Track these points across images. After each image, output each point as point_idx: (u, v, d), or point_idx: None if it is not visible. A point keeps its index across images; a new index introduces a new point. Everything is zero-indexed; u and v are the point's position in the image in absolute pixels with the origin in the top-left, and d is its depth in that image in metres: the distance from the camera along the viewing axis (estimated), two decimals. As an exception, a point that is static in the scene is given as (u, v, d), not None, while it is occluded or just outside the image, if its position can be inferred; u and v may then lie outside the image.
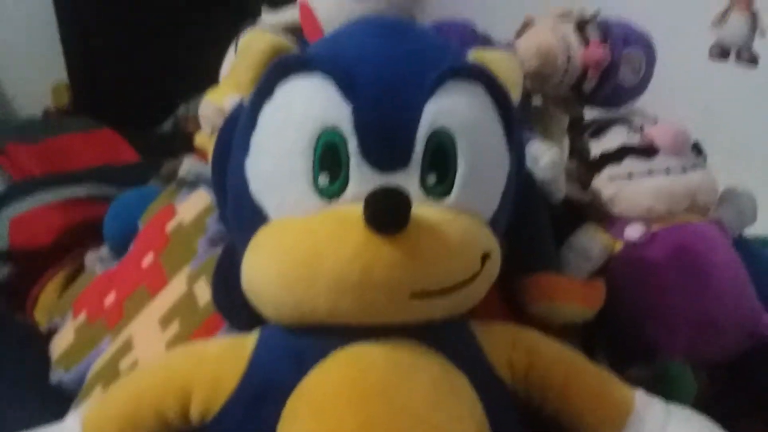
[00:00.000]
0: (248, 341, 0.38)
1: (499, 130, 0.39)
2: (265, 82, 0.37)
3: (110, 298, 0.59)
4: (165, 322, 0.51)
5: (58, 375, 0.56)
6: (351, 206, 0.34)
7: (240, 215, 0.39)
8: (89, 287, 0.63)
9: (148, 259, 0.59)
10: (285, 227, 0.36)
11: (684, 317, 0.50)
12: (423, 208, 0.34)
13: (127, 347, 0.52)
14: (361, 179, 0.35)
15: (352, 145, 0.35)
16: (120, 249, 0.67)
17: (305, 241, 0.34)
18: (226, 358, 0.38)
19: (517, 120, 0.40)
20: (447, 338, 0.37)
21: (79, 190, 0.79)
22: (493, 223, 0.38)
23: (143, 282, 0.57)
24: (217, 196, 0.46)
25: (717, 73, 0.94)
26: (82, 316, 0.60)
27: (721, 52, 0.95)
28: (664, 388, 0.41)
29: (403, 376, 0.34)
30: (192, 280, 0.52)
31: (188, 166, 0.70)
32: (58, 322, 0.63)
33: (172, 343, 0.48)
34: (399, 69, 0.36)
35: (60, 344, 0.59)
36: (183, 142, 1.00)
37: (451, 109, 0.36)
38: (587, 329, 0.49)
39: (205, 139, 0.76)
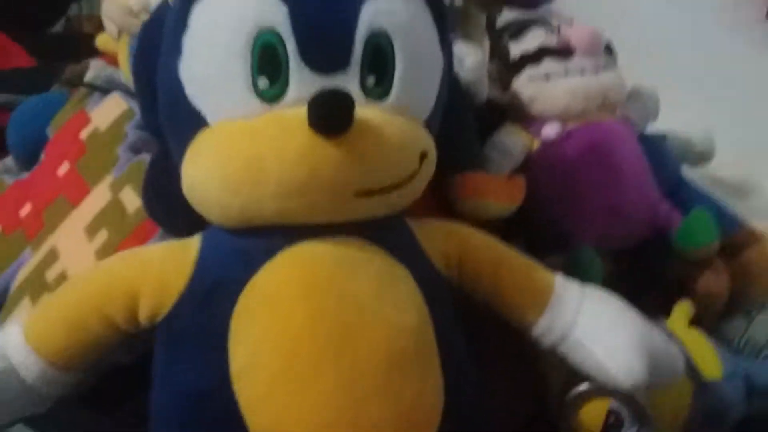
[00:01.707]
0: (192, 244, 0.39)
1: (433, 32, 0.39)
2: None
3: (26, 209, 0.56)
4: (91, 231, 0.50)
5: (-23, 289, 0.54)
6: (293, 109, 0.34)
7: (175, 120, 0.38)
8: (0, 199, 0.60)
9: (64, 168, 0.56)
10: (227, 131, 0.35)
11: (596, 208, 0.54)
12: (364, 110, 0.35)
13: (52, 257, 0.50)
14: (301, 82, 0.35)
15: (291, 47, 0.34)
16: (26, 158, 0.64)
17: (249, 145, 0.34)
18: (170, 261, 0.38)
19: (448, 22, 0.41)
20: (388, 234, 0.39)
21: (-28, 99, 0.73)
22: (429, 124, 0.39)
23: (62, 191, 0.55)
24: (142, 100, 0.44)
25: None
26: (-4, 229, 0.57)
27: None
28: (577, 272, 0.45)
29: (349, 270, 0.36)
30: (116, 187, 0.51)
31: (96, 70, 0.66)
32: (-32, 237, 0.60)
33: (102, 252, 0.48)
34: None
35: (-24, 258, 0.57)
36: (78, 44, 0.94)
37: (388, 10, 0.36)
38: (506, 223, 0.52)
39: (110, 40, 0.72)
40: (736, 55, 0.86)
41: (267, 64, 0.35)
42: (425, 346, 0.37)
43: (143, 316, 0.37)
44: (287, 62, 0.35)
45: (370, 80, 0.36)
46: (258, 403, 0.34)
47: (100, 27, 1.09)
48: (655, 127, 0.66)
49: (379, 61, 0.36)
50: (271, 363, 0.34)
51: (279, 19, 0.34)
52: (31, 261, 0.52)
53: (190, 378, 0.36)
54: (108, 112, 0.58)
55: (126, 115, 0.57)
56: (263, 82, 0.35)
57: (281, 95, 0.35)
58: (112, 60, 0.70)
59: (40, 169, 0.59)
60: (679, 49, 0.91)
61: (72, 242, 0.50)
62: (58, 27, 1.14)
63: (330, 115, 0.33)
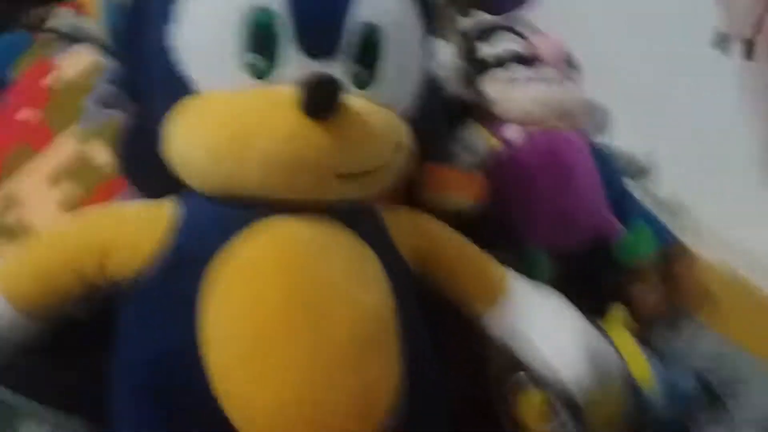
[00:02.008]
0: (167, 207, 0.39)
1: (419, 28, 0.41)
2: None
3: (-17, 153, 0.55)
4: (54, 180, 0.49)
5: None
6: (282, 87, 0.36)
7: (161, 84, 0.39)
8: (-47, 138, 0.58)
9: (25, 114, 0.55)
10: (216, 101, 0.36)
11: (548, 212, 0.57)
12: (350, 97, 0.36)
13: (10, 203, 0.50)
14: (291, 62, 0.36)
15: (285, 28, 0.36)
16: (-18, 99, 0.62)
17: (238, 118, 0.35)
18: (145, 221, 0.39)
19: (432, 20, 0.43)
20: (359, 219, 0.40)
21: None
22: (406, 116, 0.41)
23: (23, 136, 0.53)
24: (122, 60, 0.44)
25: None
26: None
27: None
28: (525, 270, 0.48)
29: (322, 248, 0.38)
30: (83, 140, 0.51)
31: (63, 18, 0.64)
32: None
33: (65, 203, 0.48)
34: None
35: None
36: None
37: (379, 5, 0.38)
38: (458, 217, 0.54)
39: (81, -13, 0.70)
40: (681, 78, 0.91)
41: (259, 41, 0.36)
42: (388, 329, 0.38)
43: (113, 270, 0.38)
44: (279, 42, 0.36)
45: (356, 68, 0.38)
46: (228, 371, 0.35)
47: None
48: (600, 141, 0.70)
49: (367, 52, 0.38)
50: (243, 333, 0.35)
51: (276, 0, 0.35)
52: (-13, 204, 0.51)
53: (157, 338, 0.37)
54: (74, 62, 0.57)
55: (95, 67, 0.56)
56: (254, 58, 0.36)
57: (270, 72, 0.36)
58: (78, 8, 0.68)
59: (1, 112, 0.57)
60: (630, 67, 0.96)
61: (33, 189, 0.50)
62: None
63: (321, 99, 0.34)
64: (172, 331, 0.36)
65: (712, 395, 0.53)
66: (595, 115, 0.67)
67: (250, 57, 0.36)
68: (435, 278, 0.44)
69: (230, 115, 0.36)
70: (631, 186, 0.72)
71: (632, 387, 0.48)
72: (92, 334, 0.42)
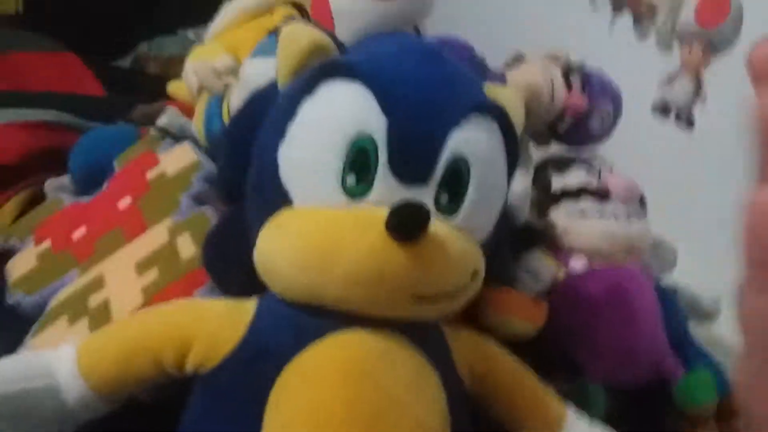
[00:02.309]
0: (248, 306, 0.42)
1: (504, 165, 0.44)
2: (309, 80, 0.41)
3: (80, 233, 0.59)
4: (142, 267, 0.53)
5: (17, 297, 0.56)
6: (373, 209, 0.38)
7: (262, 192, 0.42)
8: (55, 217, 0.63)
9: (125, 202, 0.60)
10: (310, 215, 0.39)
11: (608, 347, 0.57)
12: (434, 223, 0.38)
13: (97, 284, 0.53)
14: (385, 187, 0.39)
15: (382, 155, 0.39)
16: (84, 183, 0.68)
17: (328, 231, 0.38)
18: (226, 318, 0.41)
19: (518, 158, 0.45)
20: (426, 337, 0.42)
21: (44, 114, 0.77)
22: (484, 245, 0.43)
23: (119, 224, 0.58)
24: (227, 162, 0.48)
25: (658, 131, 1.05)
26: (46, 244, 0.60)
27: (663, 110, 1.05)
28: (582, 403, 0.47)
29: (389, 362, 0.39)
30: (174, 232, 0.54)
31: (170, 116, 0.71)
32: (15, 245, 0.63)
33: (148, 290, 0.50)
34: (433, 94, 0.40)
35: (19, 267, 0.59)
36: (146, 83, 0.99)
37: (471, 140, 0.41)
38: (522, 344, 0.54)
39: (183, 88, 0.77)
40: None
41: (358, 165, 0.39)
42: None
43: (191, 364, 0.40)
44: (376, 167, 0.39)
45: (444, 198, 0.40)
46: None
47: (165, 69, 1.16)
48: (668, 279, 0.70)
49: (455, 183, 0.40)
50: None
51: (377, 128, 0.39)
52: (76, 282, 0.55)
53: None
54: (177, 158, 0.62)
55: (195, 166, 0.60)
56: (351, 180, 0.39)
57: (365, 194, 0.39)
58: (182, 107, 0.75)
59: (102, 198, 0.62)
60: (702, 208, 0.96)
61: (121, 274, 0.53)
62: (126, 62, 1.20)
63: (408, 224, 0.37)
64: (236, 428, 0.38)
65: None
66: (663, 254, 0.68)
67: (348, 178, 0.39)
68: (491, 403, 0.45)
69: (321, 228, 0.38)
70: (695, 329, 0.71)
71: None
72: (156, 419, 0.44)
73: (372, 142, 0.39)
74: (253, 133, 0.43)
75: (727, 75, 0.97)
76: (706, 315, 0.73)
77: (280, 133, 0.41)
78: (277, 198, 0.40)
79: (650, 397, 0.60)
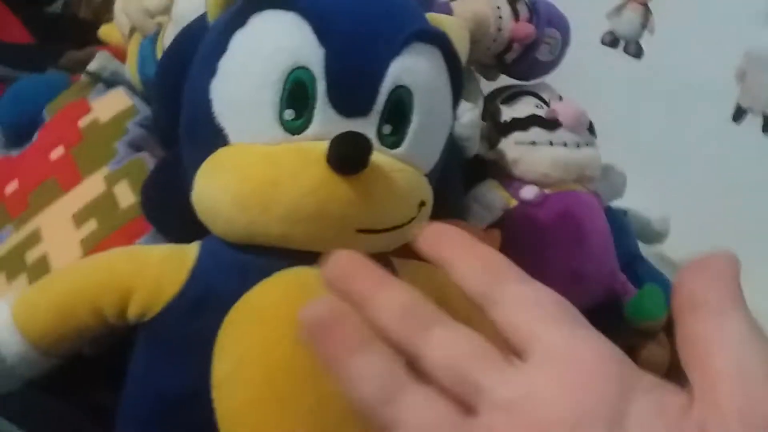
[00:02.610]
0: (190, 251, 0.40)
1: (448, 94, 0.43)
2: (240, 11, 0.38)
3: (12, 187, 0.57)
4: (80, 219, 0.50)
5: (-52, 258, 0.53)
6: (312, 143, 0.37)
7: (196, 132, 0.40)
8: (-15, 172, 0.60)
9: (57, 153, 0.57)
10: (247, 152, 0.38)
11: (560, 271, 0.58)
12: (377, 155, 0.37)
13: (34, 239, 0.51)
14: (324, 120, 0.37)
15: (321, 87, 0.37)
16: (16, 135, 0.64)
17: (267, 169, 0.37)
18: (168, 264, 0.39)
19: (462, 86, 0.44)
20: None
21: (-35, 64, 0.73)
22: (430, 175, 0.42)
23: (53, 175, 0.55)
24: (160, 105, 0.46)
25: (607, 61, 1.05)
26: (-24, 201, 0.57)
27: (611, 41, 1.05)
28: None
29: None
30: (111, 181, 0.52)
31: (101, 61, 0.67)
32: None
33: (88, 242, 0.49)
34: (372, 24, 0.39)
35: (-51, 226, 0.56)
36: (78, 28, 0.94)
37: (413, 68, 0.39)
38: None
39: (115, 32, 0.73)
40: (699, 148, 0.93)
41: (295, 99, 0.37)
42: None
43: (133, 312, 0.39)
44: (314, 100, 0.37)
45: (386, 129, 0.39)
46: (235, 415, 0.35)
47: (97, 14, 1.09)
48: (617, 204, 0.71)
49: (398, 113, 0.39)
50: (253, 378, 0.36)
51: (314, 60, 0.37)
52: (11, 239, 0.53)
53: (169, 381, 0.37)
54: (111, 104, 0.59)
55: (129, 111, 0.58)
56: (289, 114, 0.37)
57: (303, 128, 0.37)
58: (115, 51, 0.71)
59: (33, 149, 0.59)
60: (650, 135, 0.98)
61: (58, 227, 0.51)
62: (56, 7, 1.13)
63: (349, 155, 0.36)
64: (184, 374, 0.37)
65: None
66: (613, 179, 0.68)
67: (286, 113, 0.37)
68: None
69: (259, 166, 0.37)
70: (645, 250, 0.73)
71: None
72: (99, 371, 0.43)
73: (309, 74, 0.37)
74: (184, 72, 0.41)
75: (674, 5, 0.97)
76: (656, 235, 0.74)
77: (210, 69, 0.39)
78: (212, 137, 0.39)
79: (603, 316, 0.61)
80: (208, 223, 0.40)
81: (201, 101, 0.39)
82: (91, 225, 0.50)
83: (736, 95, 0.88)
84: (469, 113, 0.57)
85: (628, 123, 0.97)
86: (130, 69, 0.63)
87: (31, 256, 0.50)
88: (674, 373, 0.63)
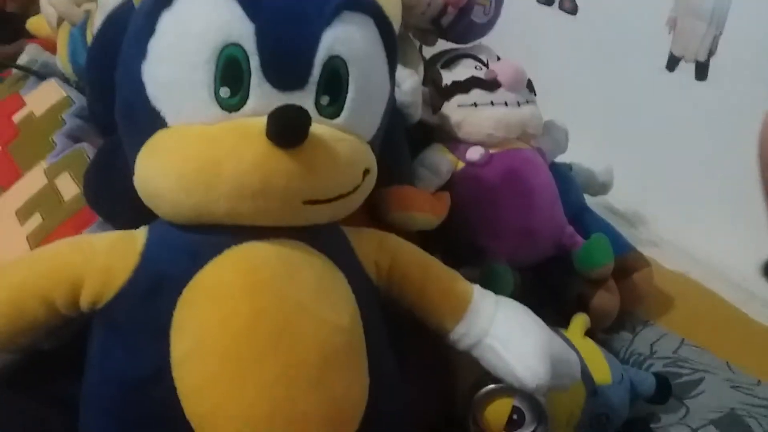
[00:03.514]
0: (138, 236, 0.40)
1: (383, 60, 0.43)
2: None
3: (-50, 188, 0.55)
4: (24, 215, 0.50)
5: None
6: (251, 120, 0.37)
7: (132, 117, 0.40)
8: None
9: (-7, 150, 0.56)
10: (186, 133, 0.37)
11: (509, 227, 0.60)
12: (317, 126, 0.37)
13: (-21, 239, 0.50)
14: (261, 96, 0.37)
15: (254, 62, 0.37)
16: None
17: (207, 149, 0.36)
18: (116, 250, 0.39)
19: (397, 51, 0.45)
20: (326, 240, 0.42)
21: None
22: (372, 143, 0.43)
23: (-9, 173, 0.54)
24: (93, 94, 0.45)
25: (543, 19, 1.06)
26: None
27: None
28: (490, 284, 0.49)
29: (291, 271, 0.39)
30: (52, 173, 0.52)
31: (31, 54, 0.66)
32: None
33: (35, 236, 0.48)
34: None
35: None
36: (6, 23, 0.91)
37: (346, 37, 0.39)
38: (425, 234, 0.56)
39: (43, 24, 0.71)
40: (636, 98, 0.95)
41: (230, 76, 0.37)
42: (356, 346, 0.40)
43: (85, 301, 0.38)
44: (249, 76, 0.37)
45: (324, 100, 0.39)
46: (197, 391, 0.36)
47: (24, 7, 1.06)
48: (561, 158, 0.73)
49: (334, 84, 0.39)
50: (212, 354, 0.36)
51: (245, 35, 0.37)
52: (-45, 241, 0.51)
53: (127, 366, 0.37)
54: (44, 97, 0.58)
55: (63, 103, 0.57)
56: (225, 92, 0.37)
57: (241, 105, 0.37)
58: (45, 43, 0.69)
59: (-32, 149, 0.57)
60: (588, 89, 1.00)
61: (2, 225, 0.50)
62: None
63: (287, 128, 0.36)
64: (143, 357, 0.37)
65: (671, 394, 0.55)
66: (555, 135, 0.70)
67: (221, 91, 0.37)
68: (402, 296, 0.46)
69: (199, 146, 0.36)
70: (591, 201, 0.75)
71: (594, 390, 0.50)
72: (61, 363, 0.42)
73: (241, 50, 0.37)
74: (114, 58, 0.40)
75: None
76: (601, 186, 0.76)
77: (141, 52, 0.38)
78: (149, 120, 0.38)
79: (554, 268, 0.63)
80: (153, 207, 0.39)
81: (134, 85, 0.38)
82: (36, 219, 0.49)
83: (668, 44, 0.90)
84: (410, 80, 0.57)
85: (567, 79, 0.99)
86: (61, 59, 0.61)
87: (-22, 255, 0.49)
88: (625, 318, 0.67)
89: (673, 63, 0.91)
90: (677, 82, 0.90)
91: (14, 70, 0.63)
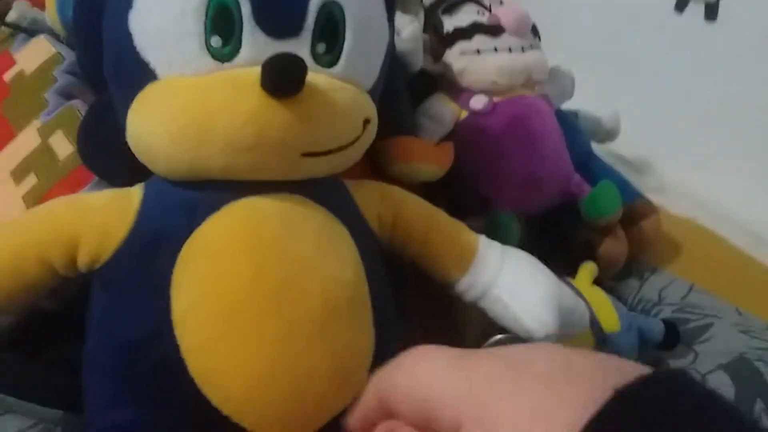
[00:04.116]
0: (134, 193, 0.39)
1: (381, 5, 0.41)
2: None
3: (-57, 150, 0.54)
4: (19, 175, 0.49)
5: None
6: (245, 70, 0.35)
7: (121, 70, 0.38)
8: None
9: (-15, 110, 0.54)
10: (177, 86, 0.36)
11: (515, 176, 0.58)
12: (314, 75, 0.36)
13: (-26, 201, 0.49)
14: (254, 44, 0.36)
15: (246, 9, 0.35)
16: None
17: (200, 102, 0.35)
18: (113, 208, 0.38)
19: (395, -2, 0.43)
20: (327, 194, 0.41)
21: None
22: (372, 92, 0.41)
23: (-16, 134, 0.53)
24: (82, 48, 0.44)
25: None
26: None
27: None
28: (496, 234, 0.48)
29: (291, 226, 0.38)
30: (45, 132, 0.50)
31: (19, 11, 0.64)
32: None
33: (30, 196, 0.47)
34: None
35: None
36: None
37: None
38: (430, 186, 0.55)
39: (31, -21, 0.69)
40: (643, 42, 0.93)
41: (221, 24, 0.35)
42: (360, 299, 0.39)
43: (82, 261, 0.38)
44: (241, 24, 0.35)
45: (320, 48, 0.37)
46: (199, 348, 0.35)
47: (11, -38, 1.02)
48: (567, 105, 0.71)
49: (330, 30, 0.37)
50: (213, 311, 0.35)
51: None
52: (-50, 203, 0.51)
53: (129, 325, 0.37)
54: (34, 55, 0.56)
55: (54, 59, 0.55)
56: (216, 41, 0.35)
57: (233, 55, 0.36)
58: (33, 1, 0.67)
59: (-41, 110, 0.56)
60: (593, 34, 0.97)
61: (-3, 187, 0.49)
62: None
63: (282, 78, 0.34)
64: (143, 316, 0.36)
65: (679, 340, 0.55)
66: (561, 81, 0.68)
67: (212, 40, 0.35)
68: (407, 248, 0.45)
69: (192, 99, 0.35)
70: (598, 148, 0.73)
71: (603, 337, 0.50)
72: (63, 325, 0.42)
73: None
74: (101, 9, 0.39)
75: None
76: (608, 133, 0.75)
77: (127, 1, 0.36)
78: (139, 73, 0.37)
79: (561, 216, 0.63)
80: (147, 163, 0.38)
81: (122, 37, 0.37)
82: (31, 180, 0.48)
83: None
84: (410, 27, 0.56)
85: (572, 22, 0.96)
86: (50, 15, 0.59)
87: (-27, 217, 0.48)
88: (632, 265, 0.66)
89: (682, 3, 0.88)
90: (685, 22, 0.87)
91: (2, 28, 0.61)
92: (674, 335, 0.55)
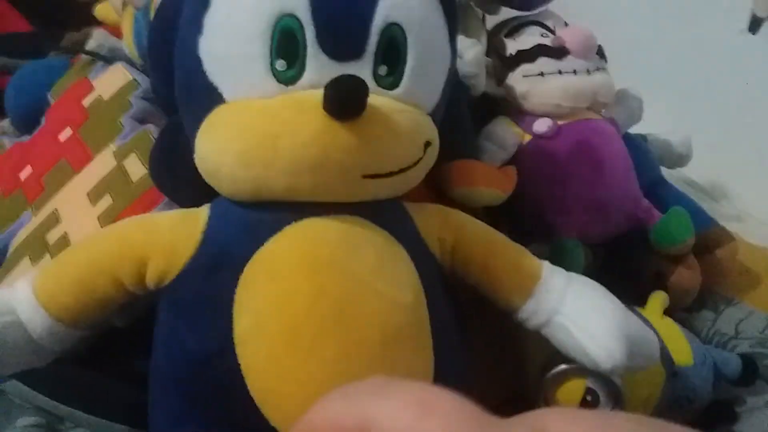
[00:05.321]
0: (200, 214, 0.40)
1: (443, 27, 0.41)
2: None
3: (26, 172, 0.57)
4: (95, 196, 0.51)
5: (-25, 248, 0.54)
6: (308, 92, 0.36)
7: (191, 94, 0.40)
8: (-1, 161, 0.61)
9: (65, 134, 0.57)
10: (244, 108, 0.37)
11: (580, 202, 0.57)
12: (375, 98, 0.36)
13: (53, 220, 0.51)
14: (318, 67, 0.36)
15: (310, 33, 0.36)
16: (25, 122, 0.65)
17: (265, 123, 0.36)
18: (180, 228, 0.39)
19: (457, 18, 0.43)
20: (388, 216, 0.41)
21: (-31, 59, 0.73)
22: (433, 114, 0.41)
23: (63, 156, 0.55)
24: (155, 73, 0.45)
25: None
26: (-6, 191, 0.58)
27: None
28: (560, 261, 0.47)
29: (351, 247, 0.38)
30: (120, 155, 0.52)
31: (98, 39, 0.67)
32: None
33: (105, 217, 0.49)
34: None
35: (-28, 217, 0.57)
36: (75, 12, 0.94)
37: (403, 4, 0.38)
38: (492, 210, 0.54)
39: (110, 10, 0.73)
40: (716, 64, 0.90)
41: (285, 48, 0.36)
42: (419, 323, 0.39)
43: (151, 279, 0.39)
44: (305, 47, 0.36)
45: (382, 70, 0.38)
46: (259, 368, 0.36)
47: (93, -5, 1.08)
48: (637, 129, 0.69)
49: (392, 53, 0.38)
50: (273, 332, 0.36)
51: (300, 5, 0.36)
52: (31, 223, 0.53)
53: (193, 342, 0.37)
54: (112, 81, 0.59)
55: (130, 86, 0.57)
56: (281, 65, 0.36)
57: (297, 78, 0.36)
58: (111, 30, 0.70)
59: (41, 134, 0.59)
60: (663, 55, 0.95)
61: (74, 206, 0.51)
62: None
63: (345, 100, 0.35)
64: (207, 334, 0.37)
65: (758, 376, 0.52)
66: (629, 104, 0.66)
67: (277, 64, 0.36)
68: (467, 273, 0.44)
69: (257, 120, 0.36)
70: (669, 173, 0.71)
71: (674, 372, 0.48)
72: (132, 341, 0.43)
73: (296, 21, 0.36)
74: (173, 36, 0.40)
75: None
76: (678, 158, 0.72)
77: (196, 27, 0.38)
78: (207, 96, 0.38)
79: (630, 244, 0.60)
80: (214, 184, 0.39)
81: (191, 61, 0.38)
82: (107, 201, 0.50)
83: (750, 4, 0.84)
84: (473, 50, 0.55)
85: (640, 44, 0.93)
86: (127, 43, 0.62)
87: (52, 237, 0.51)
88: (707, 296, 0.63)
89: (755, 24, 0.84)
90: (759, 44, 0.84)
91: (82, 56, 0.64)
92: (752, 371, 0.51)
